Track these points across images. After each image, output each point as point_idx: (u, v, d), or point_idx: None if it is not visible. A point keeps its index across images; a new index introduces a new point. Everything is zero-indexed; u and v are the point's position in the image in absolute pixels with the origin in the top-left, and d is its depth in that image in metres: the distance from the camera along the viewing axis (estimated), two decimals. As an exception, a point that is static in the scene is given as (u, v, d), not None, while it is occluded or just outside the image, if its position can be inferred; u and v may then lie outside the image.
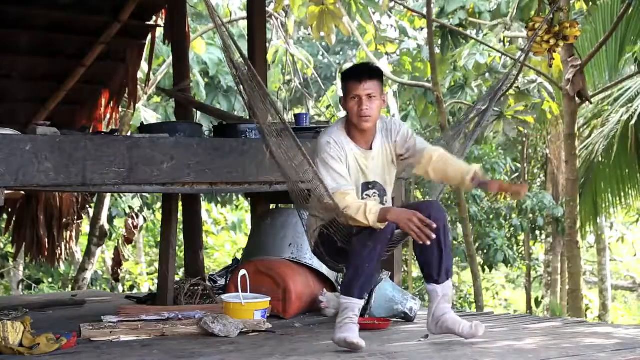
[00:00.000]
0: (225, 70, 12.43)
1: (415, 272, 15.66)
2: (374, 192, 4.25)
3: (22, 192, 7.11)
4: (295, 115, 5.91)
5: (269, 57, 12.04)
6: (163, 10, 7.39)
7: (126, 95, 8.10)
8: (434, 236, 3.91)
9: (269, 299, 4.90)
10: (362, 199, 4.18)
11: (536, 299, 15.34)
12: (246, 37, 6.58)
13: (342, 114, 14.19)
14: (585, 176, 10.67)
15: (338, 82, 14.70)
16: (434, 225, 3.91)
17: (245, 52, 4.30)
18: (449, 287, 4.22)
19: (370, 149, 4.25)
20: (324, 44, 15.35)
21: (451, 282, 4.26)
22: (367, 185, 4.24)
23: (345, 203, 4.00)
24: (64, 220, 8.25)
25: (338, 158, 4.13)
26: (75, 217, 8.38)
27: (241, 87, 4.28)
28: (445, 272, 4.17)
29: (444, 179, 4.25)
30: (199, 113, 9.90)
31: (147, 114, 11.20)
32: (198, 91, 11.84)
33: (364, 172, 4.23)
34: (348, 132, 4.23)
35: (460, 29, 11.18)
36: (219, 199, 14.59)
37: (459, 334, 4.13)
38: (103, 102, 7.95)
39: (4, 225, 9.14)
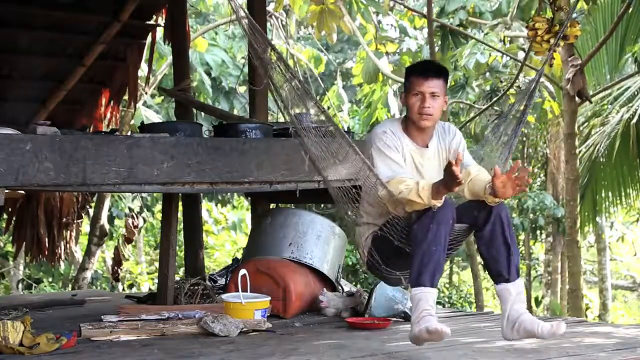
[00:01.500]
0: (227, 71, 12.42)
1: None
2: (425, 181, 4.00)
3: (22, 192, 7.10)
4: (296, 115, 5.90)
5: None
6: (163, 10, 7.39)
7: (126, 95, 8.11)
8: (460, 177, 3.65)
9: (269, 298, 4.90)
10: None
11: (536, 299, 15.34)
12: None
13: (343, 114, 14.02)
14: (586, 175, 10.67)
15: (338, 81, 14.70)
16: (461, 156, 3.72)
17: (245, 52, 4.29)
18: (521, 285, 3.99)
19: (427, 147, 4.13)
20: (324, 42, 15.34)
21: (522, 280, 4.01)
22: None
23: (399, 189, 3.83)
24: (64, 220, 8.25)
25: (394, 147, 4.00)
26: (76, 217, 8.38)
27: (275, 87, 4.09)
28: (515, 269, 3.93)
29: (474, 196, 3.99)
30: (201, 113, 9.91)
31: (148, 113, 11.20)
32: (204, 90, 11.82)
33: (419, 170, 4.09)
34: (404, 128, 4.12)
35: (461, 29, 11.18)
36: (219, 198, 14.59)
37: (538, 336, 3.87)
38: (103, 101, 7.96)
39: (4, 225, 9.14)
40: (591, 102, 8.93)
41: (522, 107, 4.72)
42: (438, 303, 16.23)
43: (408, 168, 4.03)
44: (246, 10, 4.43)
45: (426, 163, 4.12)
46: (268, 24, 10.72)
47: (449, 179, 3.67)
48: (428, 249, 3.75)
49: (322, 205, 9.47)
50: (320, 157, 4.11)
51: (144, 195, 12.37)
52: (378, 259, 4.07)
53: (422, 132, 4.12)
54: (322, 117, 4.06)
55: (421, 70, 4.10)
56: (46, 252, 8.19)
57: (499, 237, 3.89)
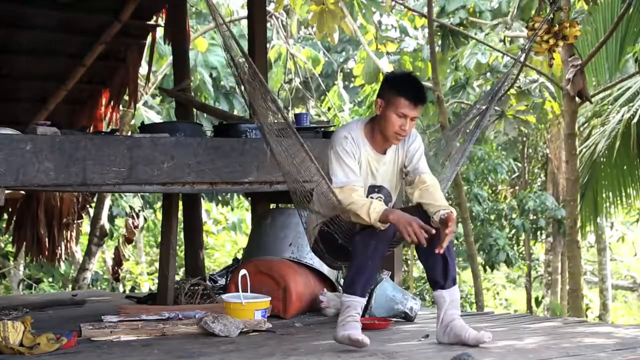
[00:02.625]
0: (229, 72, 12.42)
1: (416, 272, 15.66)
2: (379, 197, 4.25)
3: (23, 192, 7.10)
4: (296, 115, 5.92)
5: (271, 57, 12.04)
6: (163, 10, 7.38)
7: (126, 95, 8.10)
8: (424, 243, 3.91)
9: (269, 298, 4.90)
10: None
11: (536, 299, 15.34)
12: (246, 36, 6.58)
13: (344, 113, 14.03)
14: (586, 176, 10.66)
15: (339, 81, 14.70)
16: (433, 232, 3.92)
17: (234, 52, 4.32)
18: (456, 292, 4.18)
19: (384, 154, 4.25)
20: (325, 43, 15.34)
21: (458, 287, 4.21)
22: (374, 188, 4.25)
23: (350, 199, 4.01)
24: (64, 220, 8.25)
25: (352, 154, 4.13)
26: (76, 217, 8.39)
27: (242, 86, 4.31)
28: (451, 277, 4.14)
29: (423, 205, 4.13)
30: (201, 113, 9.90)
31: (149, 113, 11.20)
32: (205, 90, 11.82)
33: (374, 174, 4.24)
34: (367, 132, 4.22)
35: (461, 29, 11.18)
36: (220, 198, 14.59)
37: (465, 341, 4.05)
38: (103, 102, 7.96)
39: (4, 225, 9.14)
40: (591, 102, 8.92)
41: (483, 108, 4.85)
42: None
43: (362, 173, 4.18)
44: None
45: (381, 168, 4.26)
46: (268, 24, 10.72)
47: (409, 229, 3.88)
48: (364, 263, 4.01)
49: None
50: (279, 154, 4.30)
51: (144, 194, 12.37)
52: (322, 248, 4.31)
53: (386, 142, 4.23)
54: (279, 119, 4.23)
55: (413, 96, 4.14)
56: (46, 252, 8.20)
57: (437, 249, 4.02)
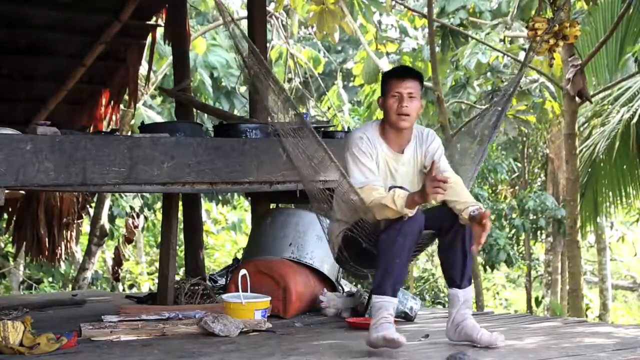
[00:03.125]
0: (229, 71, 12.42)
1: (416, 271, 15.66)
2: (402, 190, 4.12)
3: (22, 192, 7.10)
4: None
5: (271, 57, 12.04)
6: (163, 10, 7.38)
7: (126, 95, 8.10)
8: (441, 192, 3.80)
9: (269, 298, 4.90)
10: None
11: (536, 299, 15.33)
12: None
13: (343, 113, 14.03)
14: (586, 175, 10.66)
15: (339, 81, 14.69)
16: (444, 178, 3.85)
17: (246, 52, 4.31)
18: (470, 292, 4.16)
19: (402, 153, 4.21)
20: (325, 43, 15.34)
21: (472, 288, 4.19)
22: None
23: (371, 197, 3.95)
24: (64, 220, 8.25)
25: (369, 154, 4.09)
26: (76, 217, 8.38)
27: (253, 87, 4.26)
28: (467, 277, 4.12)
29: (449, 203, 4.07)
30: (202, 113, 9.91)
31: (150, 113, 11.20)
32: (204, 90, 11.83)
33: (393, 175, 4.18)
34: (381, 133, 4.19)
35: (461, 29, 11.18)
36: (220, 198, 14.59)
37: (476, 341, 4.03)
38: (103, 101, 7.96)
39: (4, 225, 9.14)
40: (591, 102, 8.93)
41: (499, 109, 4.81)
42: (438, 303, 16.25)
43: (381, 173, 4.13)
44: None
45: (400, 168, 4.20)
46: (268, 24, 10.72)
47: (429, 187, 3.77)
48: (392, 261, 3.92)
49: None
50: (296, 157, 4.25)
51: (144, 194, 12.37)
52: (347, 255, 4.23)
53: (400, 136, 4.19)
54: (295, 119, 4.21)
55: (398, 73, 4.21)
56: (46, 252, 8.20)
57: (458, 246, 4.03)
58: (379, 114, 12.94)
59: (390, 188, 4.08)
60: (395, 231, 3.91)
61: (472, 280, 4.17)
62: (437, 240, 4.22)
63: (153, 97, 12.77)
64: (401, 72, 4.20)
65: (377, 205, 3.93)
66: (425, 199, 3.85)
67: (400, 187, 4.08)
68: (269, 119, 4.37)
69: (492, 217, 14.40)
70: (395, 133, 4.18)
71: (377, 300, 3.95)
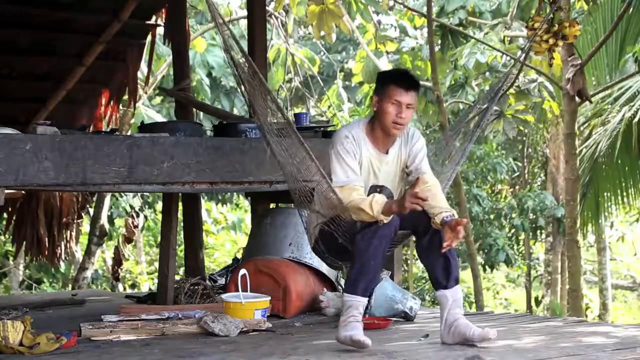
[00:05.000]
0: (228, 71, 12.43)
1: (416, 271, 15.66)
2: (382, 196, 4.23)
3: (22, 192, 7.11)
4: (295, 115, 5.92)
5: (271, 57, 12.04)
6: (163, 10, 7.39)
7: (126, 94, 8.10)
8: (419, 208, 3.89)
9: (269, 298, 4.90)
10: None
11: (536, 299, 15.35)
12: (246, 36, 6.58)
13: (344, 113, 14.00)
14: (587, 175, 10.66)
15: (339, 81, 14.70)
16: (425, 195, 3.91)
17: (235, 51, 4.33)
18: (458, 291, 4.18)
19: (387, 153, 4.24)
20: (324, 42, 15.35)
21: (460, 287, 4.21)
22: (375, 189, 4.22)
23: (351, 198, 4.02)
24: (64, 219, 8.25)
25: (352, 153, 4.13)
26: (76, 217, 8.39)
27: (242, 86, 4.32)
28: (453, 277, 4.13)
29: (424, 205, 4.08)
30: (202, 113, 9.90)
31: (150, 113, 11.20)
32: (202, 90, 11.83)
33: (376, 174, 4.23)
34: (368, 132, 4.22)
35: (461, 28, 11.18)
36: (220, 198, 14.60)
37: (470, 339, 4.05)
38: (103, 101, 7.96)
39: (4, 225, 9.14)
40: (591, 102, 8.93)
41: (484, 107, 4.87)
42: (438, 303, 16.18)
43: (364, 172, 4.17)
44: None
45: (383, 168, 4.24)
46: (268, 24, 10.72)
47: (408, 201, 3.85)
48: (367, 262, 3.99)
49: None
50: (280, 154, 4.31)
51: (144, 193, 12.37)
52: (323, 248, 4.31)
53: (387, 137, 4.22)
54: (279, 119, 4.25)
55: (403, 81, 4.18)
56: (46, 252, 8.20)
57: (437, 249, 4.04)
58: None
59: (371, 187, 4.17)
60: (371, 233, 3.99)
61: (458, 281, 4.17)
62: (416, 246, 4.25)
63: (150, 98, 12.77)
64: (407, 82, 4.17)
65: (355, 207, 4.01)
66: (402, 210, 3.93)
67: (382, 186, 4.19)
68: (255, 117, 4.43)
69: (492, 216, 14.42)
70: (383, 135, 4.21)
71: (348, 298, 4.04)
